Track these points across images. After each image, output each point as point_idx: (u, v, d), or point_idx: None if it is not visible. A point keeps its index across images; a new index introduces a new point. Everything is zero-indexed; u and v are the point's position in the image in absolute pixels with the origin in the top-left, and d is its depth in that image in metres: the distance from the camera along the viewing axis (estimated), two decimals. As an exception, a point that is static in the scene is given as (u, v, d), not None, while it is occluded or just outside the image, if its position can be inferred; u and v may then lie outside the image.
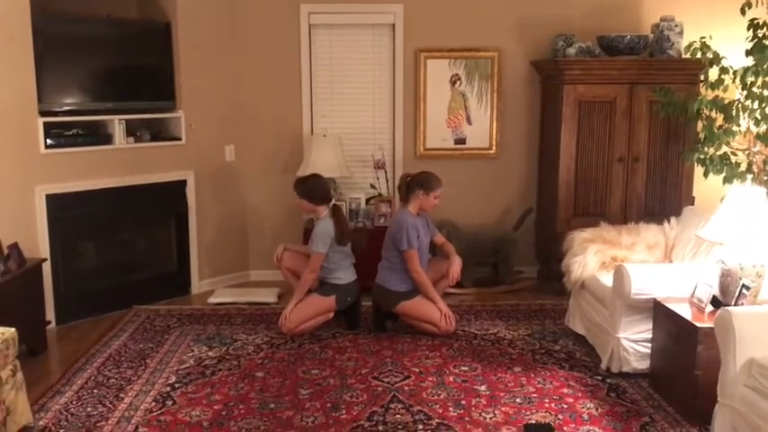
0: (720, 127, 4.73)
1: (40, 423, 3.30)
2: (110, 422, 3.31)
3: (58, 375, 3.86)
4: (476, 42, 5.54)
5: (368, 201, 5.52)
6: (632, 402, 3.51)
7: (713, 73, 4.78)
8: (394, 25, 5.52)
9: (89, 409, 3.45)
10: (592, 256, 4.21)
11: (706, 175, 4.84)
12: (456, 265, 4.50)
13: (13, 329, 3.18)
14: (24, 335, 3.55)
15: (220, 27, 5.34)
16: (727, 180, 4.68)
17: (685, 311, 3.41)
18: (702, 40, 4.74)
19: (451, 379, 3.79)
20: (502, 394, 3.61)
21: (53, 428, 3.26)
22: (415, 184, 4.49)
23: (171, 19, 5.10)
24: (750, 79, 4.52)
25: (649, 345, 3.70)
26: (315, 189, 4.54)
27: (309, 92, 5.59)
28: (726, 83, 4.68)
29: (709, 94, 4.77)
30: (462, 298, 5.20)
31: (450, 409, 3.44)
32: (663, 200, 5.20)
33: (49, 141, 4.54)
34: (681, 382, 3.36)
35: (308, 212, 4.74)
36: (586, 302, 4.21)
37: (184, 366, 3.97)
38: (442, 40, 5.54)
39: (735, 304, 3.29)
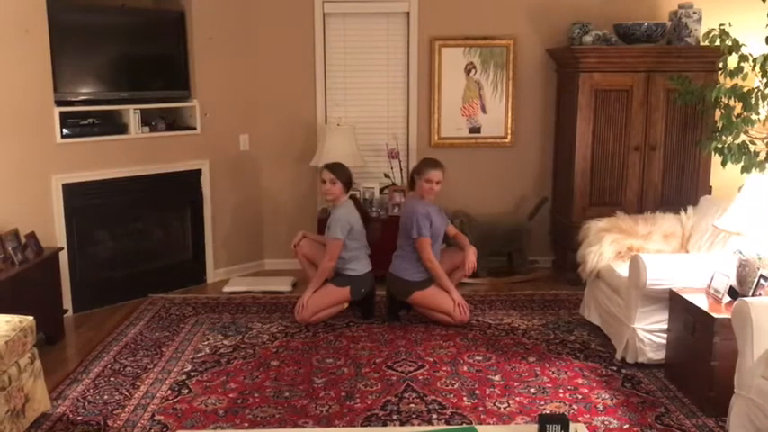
0: (739, 115, 4.67)
1: (58, 410, 3.34)
2: (126, 410, 3.34)
3: (76, 363, 3.90)
4: (491, 30, 5.50)
5: (382, 190, 5.51)
6: (647, 393, 3.49)
7: (732, 61, 4.71)
8: (408, 13, 5.48)
9: (106, 397, 3.48)
10: (607, 246, 4.18)
11: (724, 164, 4.79)
12: (472, 255, 4.48)
13: (31, 318, 3.22)
14: (42, 323, 3.60)
15: (235, 16, 5.34)
16: (745, 169, 4.63)
17: (702, 302, 3.38)
18: (721, 27, 4.67)
19: (465, 369, 3.79)
20: (516, 384, 3.60)
21: (71, 416, 3.29)
22: (413, 171, 4.52)
23: (185, 8, 5.10)
24: (770, 67, 4.46)
25: (665, 335, 3.68)
26: (350, 176, 4.56)
27: (323, 81, 5.57)
28: (745, 71, 4.62)
29: (728, 83, 4.71)
30: (476, 287, 5.19)
31: (465, 398, 3.44)
32: (679, 189, 5.15)
33: (64, 131, 4.57)
34: (697, 372, 3.34)
35: (333, 198, 4.54)
36: (601, 292, 4.19)
37: (200, 355, 4.00)
38: (457, 29, 5.50)
39: (752, 295, 3.26)
